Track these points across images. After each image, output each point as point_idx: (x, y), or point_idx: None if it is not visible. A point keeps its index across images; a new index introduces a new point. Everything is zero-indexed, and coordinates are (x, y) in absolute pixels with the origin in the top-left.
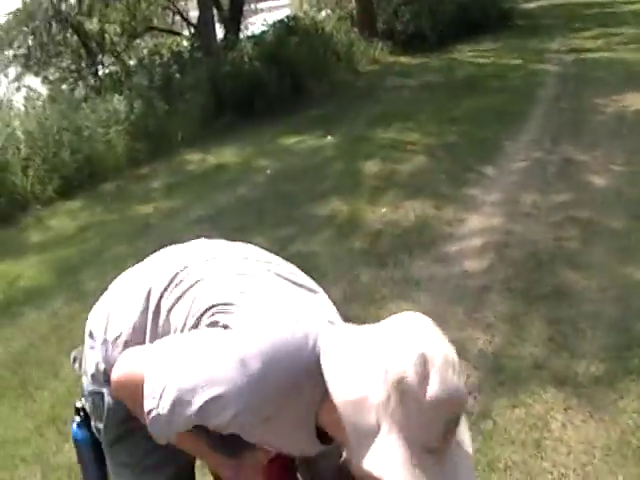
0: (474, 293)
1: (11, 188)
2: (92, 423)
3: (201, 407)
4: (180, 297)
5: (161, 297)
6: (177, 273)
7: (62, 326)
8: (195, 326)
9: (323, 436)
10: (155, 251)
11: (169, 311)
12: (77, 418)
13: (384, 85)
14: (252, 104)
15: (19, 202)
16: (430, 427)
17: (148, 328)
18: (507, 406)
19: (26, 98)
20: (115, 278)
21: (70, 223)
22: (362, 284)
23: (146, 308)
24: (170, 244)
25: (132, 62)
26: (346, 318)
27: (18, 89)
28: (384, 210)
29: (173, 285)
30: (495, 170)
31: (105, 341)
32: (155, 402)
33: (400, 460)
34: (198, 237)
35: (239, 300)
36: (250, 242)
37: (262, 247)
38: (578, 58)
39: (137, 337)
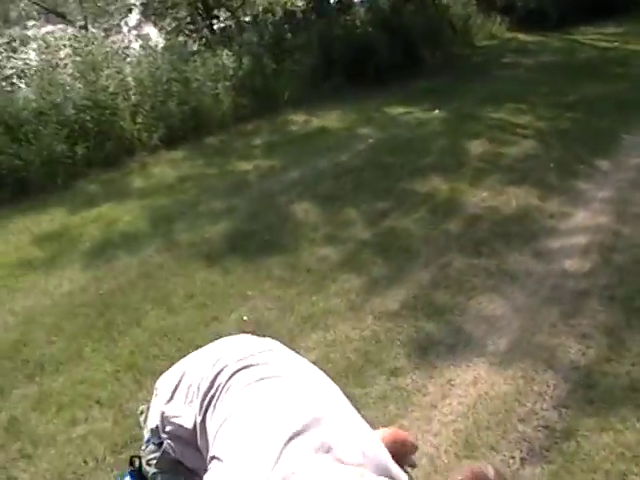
0: (572, 296)
1: (119, 133)
2: (144, 469)
3: None
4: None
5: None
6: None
7: (150, 274)
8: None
9: None
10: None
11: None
12: (131, 467)
13: (499, 62)
14: (362, 69)
15: (126, 147)
16: None
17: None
18: (594, 428)
19: (141, 47)
20: (208, 232)
21: (171, 172)
22: (453, 271)
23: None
24: (264, 206)
25: (247, 18)
26: (432, 304)
27: (137, 38)
28: (485, 194)
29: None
30: (609, 164)
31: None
32: None
33: None
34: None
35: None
36: (342, 213)
37: (354, 220)
38: None
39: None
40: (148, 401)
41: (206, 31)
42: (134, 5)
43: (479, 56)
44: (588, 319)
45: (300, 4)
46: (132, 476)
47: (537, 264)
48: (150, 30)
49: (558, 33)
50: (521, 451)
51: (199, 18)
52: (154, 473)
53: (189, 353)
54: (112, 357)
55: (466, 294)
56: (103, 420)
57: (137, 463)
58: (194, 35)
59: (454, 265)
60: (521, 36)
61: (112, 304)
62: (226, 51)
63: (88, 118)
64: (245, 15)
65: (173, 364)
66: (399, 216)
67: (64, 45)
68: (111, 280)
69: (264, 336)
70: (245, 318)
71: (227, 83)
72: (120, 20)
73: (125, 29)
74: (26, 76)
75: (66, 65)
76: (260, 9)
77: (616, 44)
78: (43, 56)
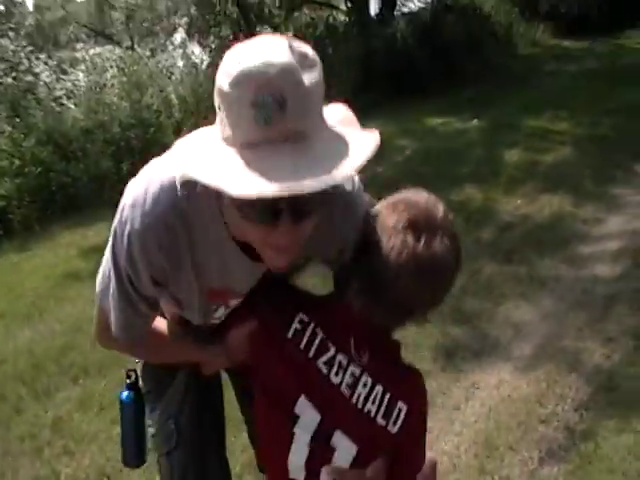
0: (601, 301)
1: (163, 149)
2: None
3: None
4: None
5: None
6: None
7: None
8: None
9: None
10: None
11: None
12: (127, 380)
13: (542, 70)
14: (402, 81)
15: None
16: (239, 119)
17: None
18: (614, 430)
19: (184, 65)
20: None
21: None
22: (483, 277)
23: None
24: None
25: (289, 34)
26: (460, 310)
27: (182, 56)
28: (519, 202)
29: None
30: None
31: None
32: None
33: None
34: None
35: None
36: None
37: None
38: None
39: None
40: None
41: None
42: (179, 25)
43: (521, 64)
44: (615, 324)
45: (342, 18)
46: (129, 389)
47: (567, 270)
48: (195, 48)
49: (603, 38)
50: (540, 451)
51: (242, 35)
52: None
53: None
54: None
55: (494, 300)
56: None
57: (133, 377)
58: None
59: (484, 272)
60: (565, 43)
61: None
62: None
63: (133, 136)
64: (287, 31)
65: None
66: None
67: (110, 66)
68: None
69: None
70: None
71: None
72: (165, 40)
73: (170, 48)
74: (75, 96)
75: (112, 85)
76: (302, 24)
77: None
78: (91, 77)
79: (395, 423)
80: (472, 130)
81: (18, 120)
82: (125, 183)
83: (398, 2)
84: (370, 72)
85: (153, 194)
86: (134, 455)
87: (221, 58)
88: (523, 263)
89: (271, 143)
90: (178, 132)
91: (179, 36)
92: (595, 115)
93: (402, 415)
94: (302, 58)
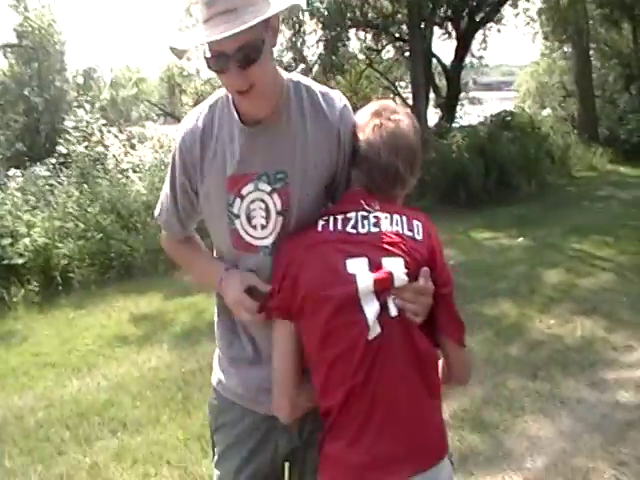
0: (618, 426)
1: None
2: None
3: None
4: None
5: None
6: None
7: None
8: None
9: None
10: None
11: None
12: None
13: (594, 194)
14: (454, 193)
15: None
16: (199, 5)
17: None
18: None
19: None
20: None
21: None
22: (507, 390)
23: None
24: None
25: None
26: (479, 418)
27: None
28: (552, 322)
29: None
30: None
31: None
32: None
33: None
34: None
35: None
36: None
37: None
38: None
39: None
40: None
41: None
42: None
43: (575, 187)
44: (629, 448)
45: None
46: None
47: (590, 393)
48: None
49: None
50: None
51: None
52: None
53: None
54: (185, 426)
55: (514, 413)
56: (170, 478)
57: None
58: None
59: (508, 385)
60: (622, 169)
61: (191, 382)
62: None
63: None
64: None
65: None
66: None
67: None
68: (193, 361)
69: None
70: None
71: None
72: None
73: None
74: (140, 171)
75: None
76: None
77: None
78: (156, 154)
79: (419, 233)
80: (517, 247)
81: (86, 187)
82: None
83: (457, 115)
84: (423, 181)
85: (192, 110)
86: None
87: None
88: (547, 380)
89: (213, 18)
90: None
91: None
92: None
93: (421, 227)
94: None
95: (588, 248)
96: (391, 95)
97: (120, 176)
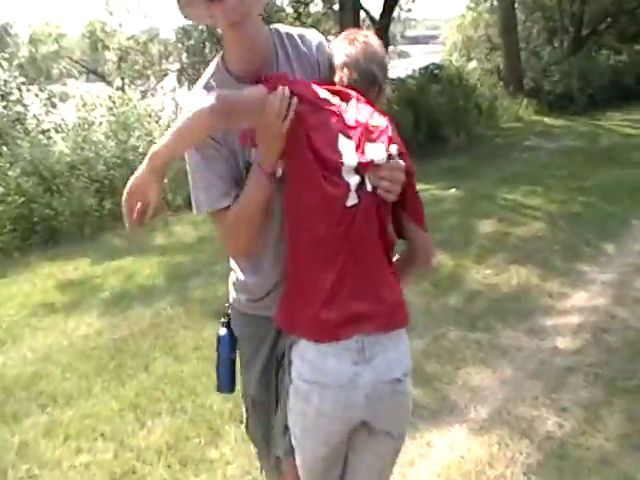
0: (558, 373)
1: None
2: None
3: None
4: None
5: None
6: None
7: (161, 325)
8: None
9: None
10: None
11: None
12: (222, 319)
13: (522, 145)
14: None
15: None
16: None
17: None
18: None
19: (172, 112)
20: (220, 290)
21: (191, 232)
22: (447, 342)
23: None
24: None
25: None
26: (421, 372)
27: (172, 101)
28: (488, 272)
29: None
30: (615, 248)
31: None
32: None
33: None
34: None
35: None
36: None
37: None
38: None
39: None
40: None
41: None
42: (170, 70)
43: (503, 138)
44: (570, 394)
45: None
46: (225, 326)
47: (529, 341)
48: (184, 95)
49: (584, 117)
50: None
51: None
52: None
53: (189, 399)
54: (118, 397)
55: (455, 364)
56: (105, 452)
57: (227, 318)
58: None
59: (448, 337)
60: (547, 120)
61: (123, 349)
62: None
63: (117, 175)
64: None
65: (174, 407)
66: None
67: (100, 104)
68: (125, 328)
69: None
70: None
71: None
72: (156, 84)
73: (161, 93)
74: (62, 131)
75: (101, 124)
76: None
77: None
78: (79, 113)
79: (393, 132)
80: (449, 199)
81: (5, 149)
82: (106, 221)
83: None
84: None
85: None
86: (227, 383)
87: None
88: (487, 331)
89: None
90: None
91: (170, 82)
92: (569, 193)
93: (392, 128)
94: None
95: (519, 198)
96: None
97: (42, 137)
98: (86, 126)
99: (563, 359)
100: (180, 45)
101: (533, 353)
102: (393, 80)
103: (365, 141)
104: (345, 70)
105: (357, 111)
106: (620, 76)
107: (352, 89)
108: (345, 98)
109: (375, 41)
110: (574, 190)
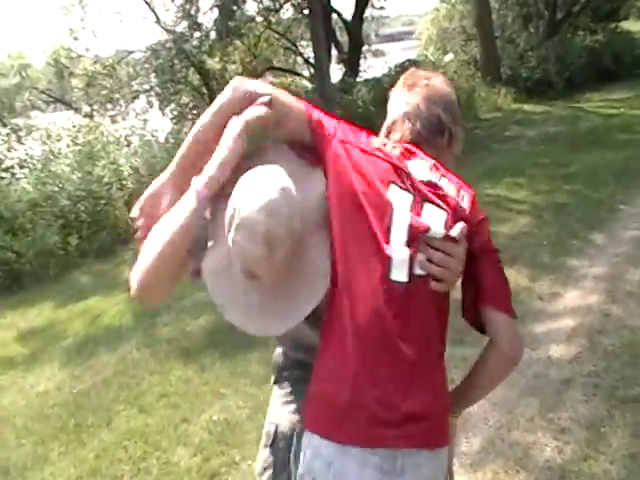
0: (554, 386)
1: (113, 222)
2: None
3: None
4: None
5: None
6: None
7: (126, 372)
8: None
9: None
10: None
11: None
12: None
13: (503, 135)
14: None
15: (120, 237)
16: None
17: None
18: None
19: (139, 136)
20: (190, 325)
21: None
22: None
23: None
24: None
25: None
26: None
27: (144, 122)
28: None
29: None
30: (604, 238)
31: None
32: None
33: None
34: None
35: None
36: None
37: None
38: None
39: None
40: None
41: None
42: (139, 92)
43: (483, 129)
44: (569, 411)
45: (307, 84)
46: None
47: None
48: (157, 116)
49: (564, 102)
50: None
51: (203, 103)
52: None
53: (154, 457)
54: (78, 461)
55: None
56: None
57: None
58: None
59: None
60: (526, 107)
61: (84, 405)
62: None
63: (82, 208)
64: None
65: (137, 467)
66: None
67: (67, 135)
68: (87, 379)
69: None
70: (215, 418)
71: None
72: (126, 107)
73: (132, 115)
74: (27, 166)
75: (66, 155)
76: None
77: (622, 110)
78: (45, 146)
79: (465, 204)
80: None
81: None
82: (73, 258)
83: (361, 69)
84: None
85: None
86: None
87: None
88: (474, 344)
89: None
90: (129, 204)
91: (140, 104)
92: (554, 181)
93: (467, 198)
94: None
95: (502, 192)
96: (292, 56)
97: (5, 174)
98: (51, 157)
99: (559, 370)
100: (148, 65)
101: (526, 366)
102: (368, 80)
103: (425, 200)
104: (406, 123)
105: (423, 168)
106: (597, 56)
107: (417, 146)
108: (409, 156)
109: (439, 81)
110: (558, 178)
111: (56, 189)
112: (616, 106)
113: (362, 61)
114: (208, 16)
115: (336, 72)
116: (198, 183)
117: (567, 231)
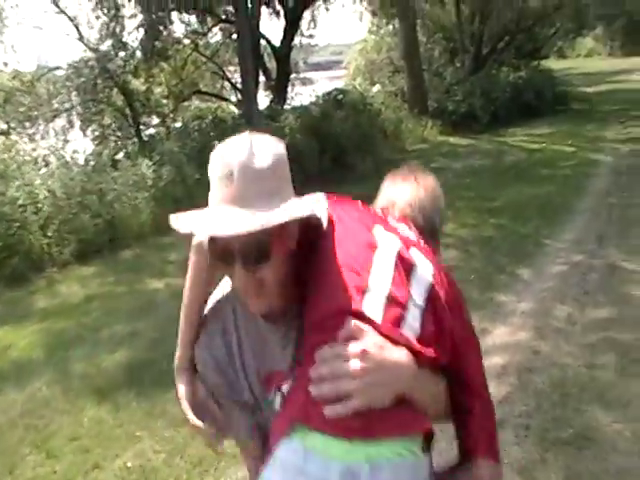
0: None
1: (27, 247)
2: None
3: None
4: None
5: None
6: None
7: (35, 412)
8: None
9: None
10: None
11: None
12: None
13: (429, 167)
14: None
15: (34, 263)
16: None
17: None
18: None
19: (55, 157)
20: (105, 361)
21: (79, 291)
22: None
23: None
24: (169, 331)
25: (177, 124)
26: None
27: (64, 143)
28: None
29: None
30: (530, 273)
31: None
32: None
33: None
34: None
35: None
36: None
37: None
38: (635, 149)
39: None
40: None
41: (134, 138)
42: (59, 110)
43: (409, 160)
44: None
45: (233, 110)
46: None
47: None
48: (78, 136)
49: (488, 135)
50: None
51: (126, 124)
52: None
53: None
54: None
55: None
56: None
57: None
58: (119, 143)
59: None
60: (452, 139)
61: None
62: (146, 161)
63: None
64: (175, 122)
65: None
66: None
67: None
68: None
69: None
70: (129, 465)
71: (146, 193)
72: (46, 126)
73: (52, 134)
74: None
75: None
76: (191, 115)
77: (544, 145)
78: None
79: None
80: None
81: None
82: None
83: (289, 96)
84: None
85: None
86: None
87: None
88: None
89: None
90: (44, 228)
91: (60, 123)
92: (480, 215)
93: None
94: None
95: None
96: (220, 80)
97: None
98: None
99: None
100: (69, 83)
101: None
102: (296, 108)
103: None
104: (409, 209)
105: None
106: (520, 92)
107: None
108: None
109: (438, 189)
110: (484, 212)
111: None
112: (538, 141)
113: (290, 88)
114: (134, 35)
115: (263, 99)
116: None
117: (494, 265)
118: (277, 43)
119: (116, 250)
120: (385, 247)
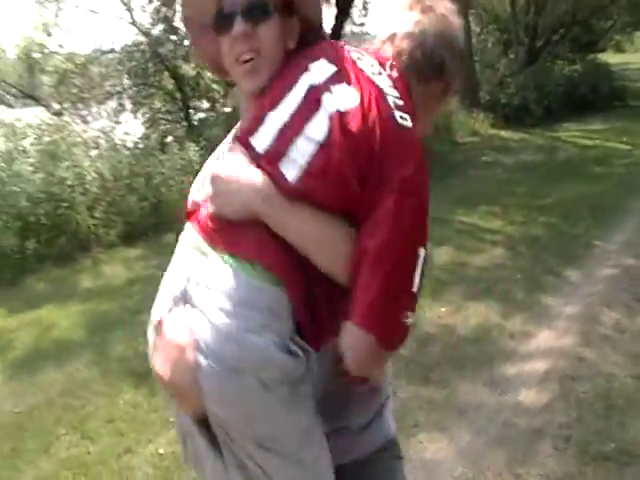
0: (524, 437)
1: (74, 228)
2: None
3: None
4: None
5: None
6: None
7: (73, 392)
8: None
9: None
10: None
11: None
12: None
13: (479, 160)
14: None
15: (81, 242)
16: None
17: None
18: None
19: (106, 140)
20: (143, 345)
21: (123, 273)
22: (398, 403)
23: None
24: None
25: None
26: None
27: (116, 124)
28: (443, 310)
29: None
30: (579, 275)
31: None
32: None
33: None
34: None
35: None
36: None
37: None
38: None
39: None
40: None
41: (184, 122)
42: (111, 93)
43: (460, 153)
44: (537, 467)
45: None
46: None
47: (489, 395)
48: (129, 118)
49: (541, 130)
50: None
51: (176, 108)
52: None
53: None
54: None
55: (407, 431)
56: None
57: None
58: (169, 127)
59: (399, 396)
60: (504, 133)
61: (24, 426)
62: (193, 145)
63: (42, 211)
64: (225, 107)
65: None
66: None
67: (32, 132)
68: (30, 397)
69: None
70: (161, 451)
71: (192, 178)
72: (98, 108)
73: (104, 116)
74: None
75: (29, 154)
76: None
77: (597, 142)
78: (10, 143)
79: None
80: None
81: None
82: (29, 263)
83: None
84: None
85: None
86: None
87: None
88: (441, 385)
89: None
90: (92, 209)
91: (111, 105)
92: (529, 213)
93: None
94: None
95: (477, 220)
96: None
97: None
98: (16, 155)
99: (529, 419)
100: (121, 67)
101: (495, 412)
102: None
103: None
104: (406, 43)
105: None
106: (575, 86)
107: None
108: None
109: (457, 19)
110: (534, 210)
111: (16, 189)
112: (592, 137)
113: None
114: None
115: None
116: None
117: (541, 266)
118: (328, 30)
119: (160, 234)
120: (304, 81)
